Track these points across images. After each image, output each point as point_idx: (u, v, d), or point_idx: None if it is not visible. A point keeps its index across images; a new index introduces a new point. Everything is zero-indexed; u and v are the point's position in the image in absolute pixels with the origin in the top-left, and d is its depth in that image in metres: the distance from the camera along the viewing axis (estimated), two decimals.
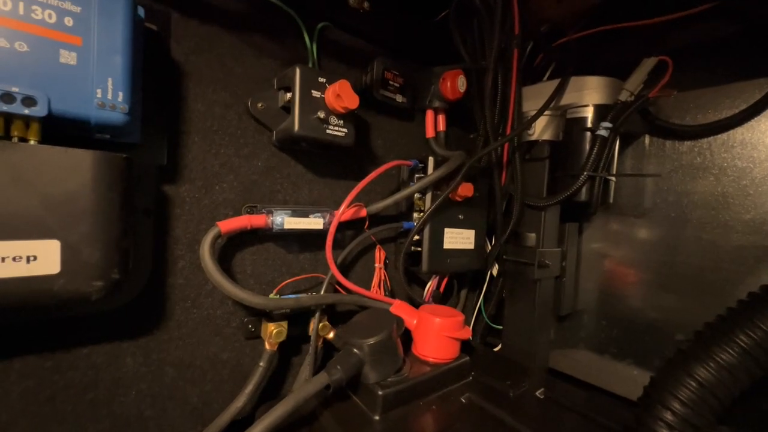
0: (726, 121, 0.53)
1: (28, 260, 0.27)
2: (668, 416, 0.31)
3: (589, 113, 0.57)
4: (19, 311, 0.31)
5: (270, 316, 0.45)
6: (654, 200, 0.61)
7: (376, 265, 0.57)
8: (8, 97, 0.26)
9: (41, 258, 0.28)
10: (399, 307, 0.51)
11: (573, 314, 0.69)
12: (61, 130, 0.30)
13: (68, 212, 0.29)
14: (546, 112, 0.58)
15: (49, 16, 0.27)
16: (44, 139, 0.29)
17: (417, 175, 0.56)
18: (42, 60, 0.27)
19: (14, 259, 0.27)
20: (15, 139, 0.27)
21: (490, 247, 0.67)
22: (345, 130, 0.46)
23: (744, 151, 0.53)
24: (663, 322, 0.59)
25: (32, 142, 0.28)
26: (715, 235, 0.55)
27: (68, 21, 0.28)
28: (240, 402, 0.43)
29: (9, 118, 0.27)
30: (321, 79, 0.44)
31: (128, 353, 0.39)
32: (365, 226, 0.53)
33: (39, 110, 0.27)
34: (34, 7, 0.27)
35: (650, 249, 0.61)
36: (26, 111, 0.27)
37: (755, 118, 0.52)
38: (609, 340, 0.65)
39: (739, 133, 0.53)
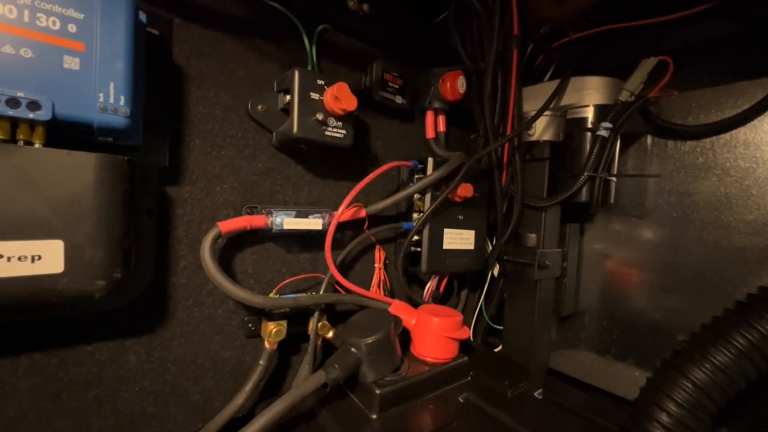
0: (729, 120, 0.52)
1: (32, 260, 0.28)
2: (663, 417, 0.31)
3: (589, 113, 0.57)
4: (25, 309, 0.32)
5: (270, 315, 0.46)
6: (656, 201, 0.60)
7: (376, 265, 0.57)
8: (14, 102, 0.27)
9: (45, 257, 0.29)
10: (398, 307, 0.51)
11: (574, 315, 0.68)
12: (65, 133, 0.31)
13: (72, 213, 0.30)
14: (546, 113, 0.57)
15: (53, 23, 0.28)
16: (49, 143, 0.29)
17: (416, 176, 0.57)
18: (46, 66, 0.28)
19: (19, 258, 0.28)
20: (20, 143, 0.28)
21: (490, 248, 0.67)
22: (344, 131, 0.47)
23: (747, 151, 0.52)
24: (665, 323, 0.59)
25: (37, 146, 0.29)
26: (718, 236, 0.54)
27: (71, 27, 0.29)
28: (240, 399, 0.43)
29: (15, 122, 0.28)
30: (320, 82, 0.44)
31: (131, 351, 0.40)
32: (365, 227, 0.54)
33: (43, 114, 0.28)
34: (38, 14, 0.28)
35: (652, 250, 0.61)
36: (31, 115, 0.27)
37: (758, 118, 0.51)
38: (610, 341, 0.65)
39: (742, 133, 0.53)
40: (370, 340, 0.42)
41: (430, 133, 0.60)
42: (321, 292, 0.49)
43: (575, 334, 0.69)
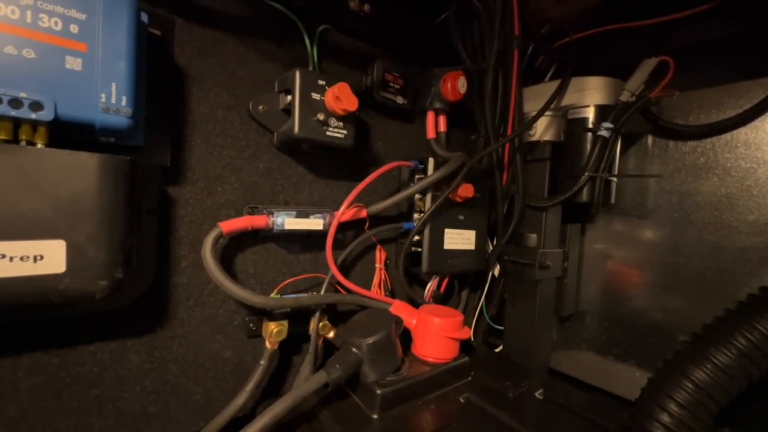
0: (729, 121, 0.53)
1: (35, 260, 0.28)
2: (665, 418, 0.31)
3: (590, 114, 0.57)
4: (27, 309, 0.32)
5: (271, 315, 0.46)
6: (657, 201, 0.61)
7: (377, 265, 0.57)
8: (16, 103, 0.27)
9: (47, 257, 0.29)
10: (398, 307, 0.52)
11: (575, 315, 0.69)
12: (68, 133, 0.31)
13: (74, 213, 0.30)
14: (547, 113, 0.58)
15: (56, 23, 0.28)
16: (51, 143, 0.29)
17: (417, 176, 0.57)
18: (48, 66, 0.28)
19: (21, 258, 0.28)
20: (23, 143, 0.28)
21: (491, 248, 0.67)
22: (345, 131, 0.47)
23: (748, 151, 0.52)
24: (666, 324, 0.59)
25: (39, 146, 0.29)
26: (719, 236, 0.54)
27: (74, 28, 0.29)
28: (241, 399, 0.43)
29: (17, 122, 0.28)
30: (321, 82, 0.44)
31: (132, 351, 0.40)
32: (365, 227, 0.54)
33: (46, 115, 0.28)
34: (41, 15, 0.28)
35: (653, 250, 0.61)
36: (33, 116, 0.27)
37: (759, 118, 0.51)
38: (611, 342, 0.65)
39: (743, 133, 0.53)
40: (371, 340, 0.42)
41: (430, 134, 0.60)
42: (322, 292, 0.49)
43: (576, 334, 0.69)
